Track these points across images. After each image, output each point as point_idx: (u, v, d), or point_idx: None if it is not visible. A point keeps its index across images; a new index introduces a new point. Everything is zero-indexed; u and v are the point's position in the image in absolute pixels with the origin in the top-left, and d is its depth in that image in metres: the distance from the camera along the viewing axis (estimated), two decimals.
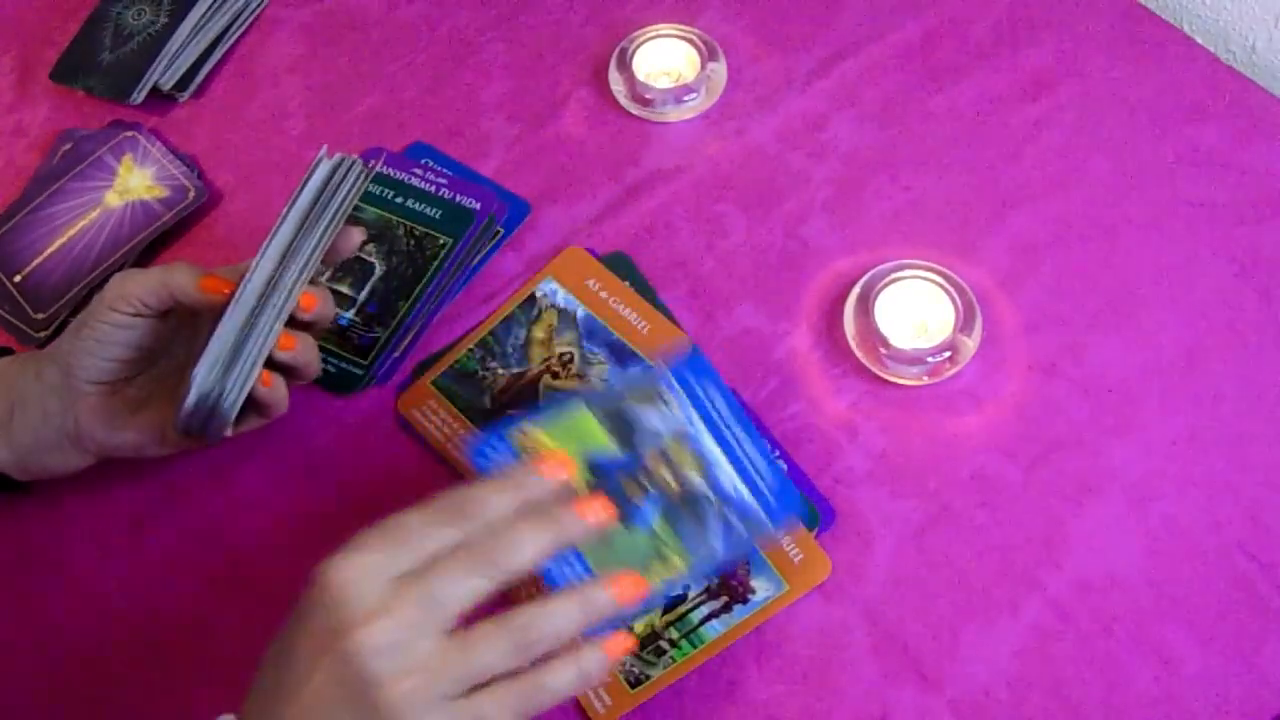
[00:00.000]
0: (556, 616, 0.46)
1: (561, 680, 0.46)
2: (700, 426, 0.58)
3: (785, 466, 0.62)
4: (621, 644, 0.49)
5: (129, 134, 0.77)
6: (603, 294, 0.68)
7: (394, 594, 0.44)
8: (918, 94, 0.74)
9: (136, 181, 0.75)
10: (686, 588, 0.59)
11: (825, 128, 0.73)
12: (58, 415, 0.58)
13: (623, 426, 0.57)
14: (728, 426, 0.59)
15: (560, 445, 0.55)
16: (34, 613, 0.63)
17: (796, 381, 0.65)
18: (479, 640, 0.45)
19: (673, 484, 0.56)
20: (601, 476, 0.56)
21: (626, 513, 0.55)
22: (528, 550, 0.46)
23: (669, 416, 0.58)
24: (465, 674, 0.44)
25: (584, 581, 0.49)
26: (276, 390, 0.57)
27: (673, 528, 0.55)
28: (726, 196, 0.71)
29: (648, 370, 0.59)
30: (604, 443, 0.56)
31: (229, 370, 0.54)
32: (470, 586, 0.45)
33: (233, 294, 0.54)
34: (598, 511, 0.50)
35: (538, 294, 0.69)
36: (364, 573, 0.44)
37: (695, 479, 0.57)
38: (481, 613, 0.45)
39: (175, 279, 0.56)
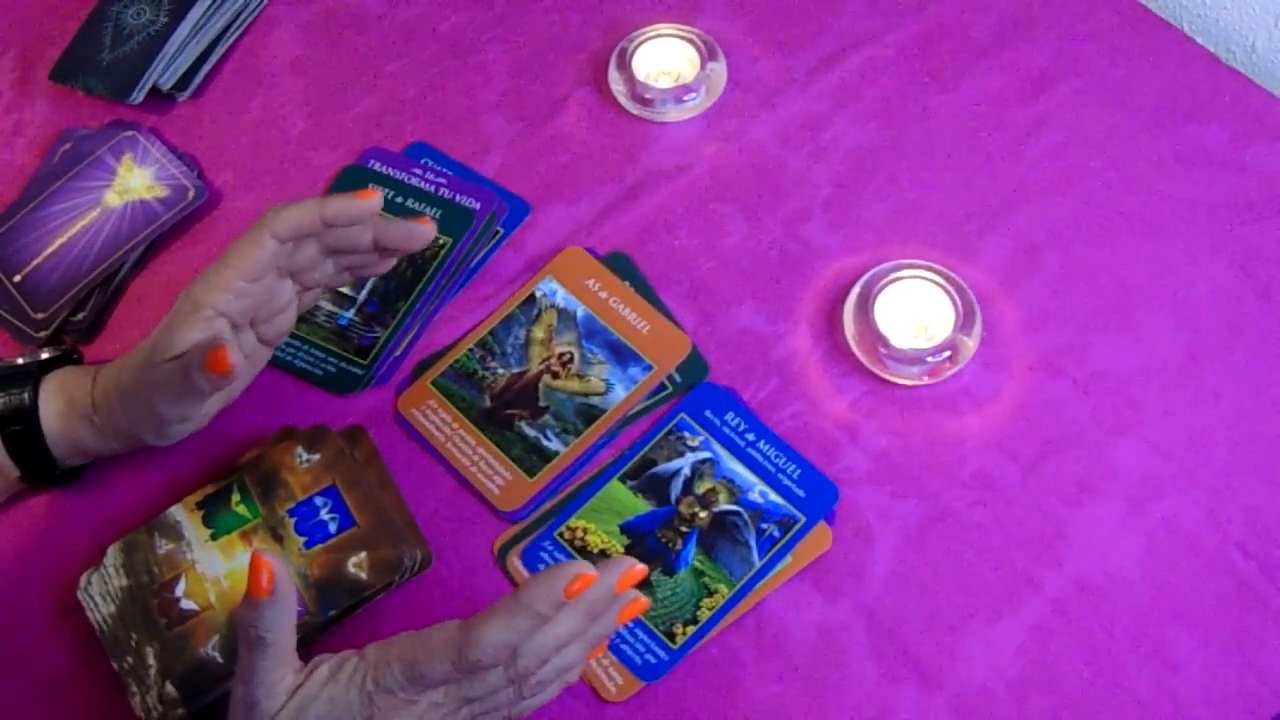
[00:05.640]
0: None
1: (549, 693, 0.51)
2: (721, 450, 0.61)
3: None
4: (601, 646, 0.52)
5: (129, 133, 0.77)
6: (603, 294, 0.68)
7: None
8: (918, 94, 0.74)
9: (136, 181, 0.75)
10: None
11: (825, 128, 0.73)
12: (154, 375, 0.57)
13: (653, 483, 0.61)
14: (747, 440, 0.62)
15: (601, 525, 0.59)
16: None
17: (796, 381, 0.65)
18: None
19: (704, 516, 0.60)
20: (638, 537, 0.60)
21: (669, 562, 0.59)
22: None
23: (690, 454, 0.61)
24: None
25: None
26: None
27: (709, 555, 0.59)
28: (726, 196, 0.71)
29: (665, 421, 0.63)
30: (640, 506, 0.60)
31: None
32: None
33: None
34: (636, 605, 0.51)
35: (538, 294, 0.69)
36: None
37: (725, 503, 0.60)
38: None
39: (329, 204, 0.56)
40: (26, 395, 0.60)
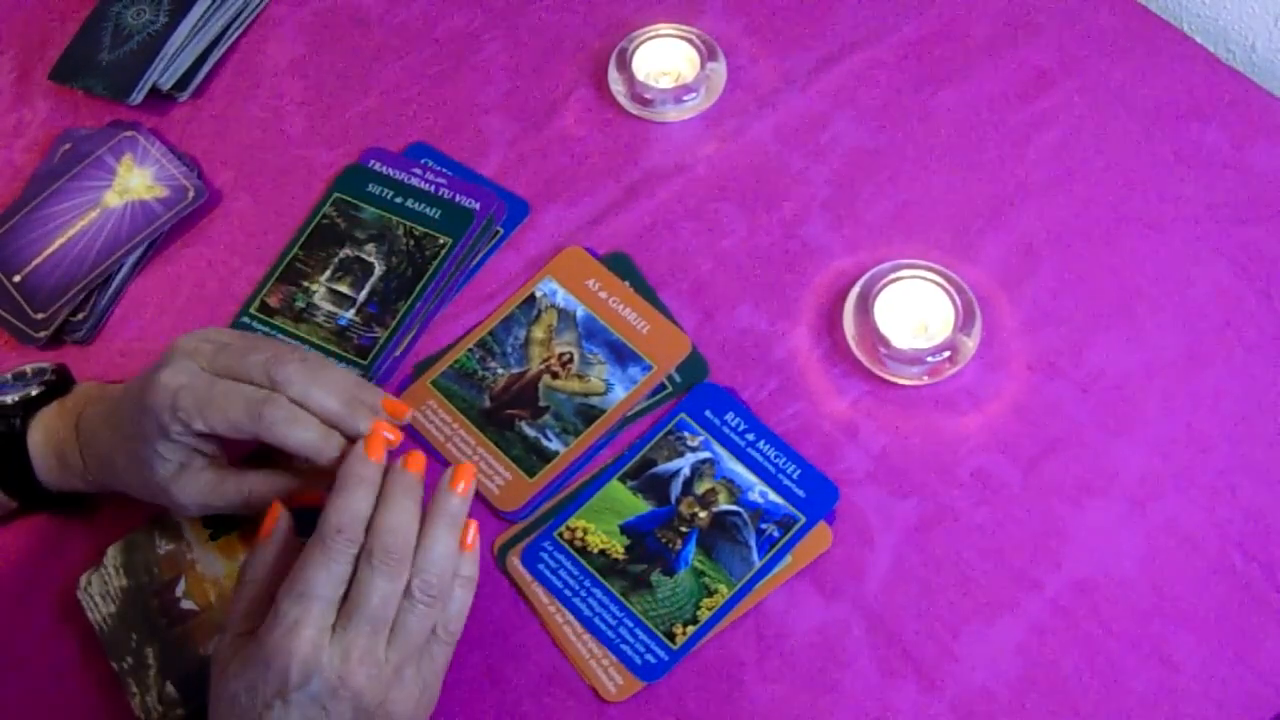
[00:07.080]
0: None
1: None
2: (721, 450, 0.61)
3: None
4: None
5: (128, 134, 0.77)
6: (603, 294, 0.68)
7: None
8: (917, 94, 0.74)
9: (136, 181, 0.75)
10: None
11: (825, 128, 0.73)
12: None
13: (653, 483, 0.61)
14: (747, 440, 0.62)
15: (601, 525, 0.60)
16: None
17: (796, 381, 0.65)
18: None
19: (704, 516, 0.60)
20: (638, 537, 0.60)
21: (669, 562, 0.59)
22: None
23: (690, 454, 0.61)
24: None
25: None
26: None
27: (709, 555, 0.59)
28: (726, 196, 0.71)
29: (665, 421, 0.63)
30: (640, 506, 0.60)
31: None
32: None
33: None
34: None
35: (537, 294, 0.69)
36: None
37: (725, 503, 0.60)
38: None
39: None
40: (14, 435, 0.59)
